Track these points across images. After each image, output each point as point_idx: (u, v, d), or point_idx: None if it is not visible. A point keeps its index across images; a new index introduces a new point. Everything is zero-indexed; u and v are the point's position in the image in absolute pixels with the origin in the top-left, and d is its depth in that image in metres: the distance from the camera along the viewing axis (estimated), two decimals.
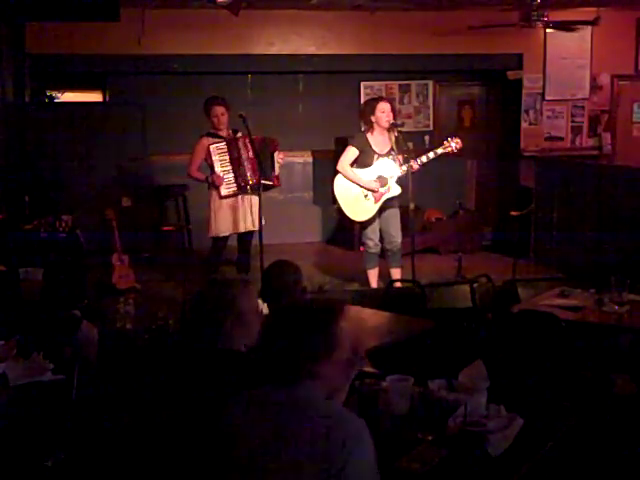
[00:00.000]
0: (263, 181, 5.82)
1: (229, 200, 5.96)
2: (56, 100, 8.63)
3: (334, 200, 6.33)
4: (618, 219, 6.69)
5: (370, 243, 6.21)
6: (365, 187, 6.02)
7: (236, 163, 5.93)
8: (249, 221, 6.00)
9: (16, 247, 5.43)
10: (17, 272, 4.78)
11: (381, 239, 6.24)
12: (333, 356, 2.07)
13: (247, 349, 2.59)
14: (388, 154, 6.03)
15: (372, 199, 6.04)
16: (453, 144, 6.01)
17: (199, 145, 6.01)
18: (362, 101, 8.56)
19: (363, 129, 6.26)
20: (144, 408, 2.50)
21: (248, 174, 5.92)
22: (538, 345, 3.74)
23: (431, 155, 5.99)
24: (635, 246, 6.23)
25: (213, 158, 5.92)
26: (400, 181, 6.04)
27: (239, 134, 6.04)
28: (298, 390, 2.03)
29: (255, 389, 2.10)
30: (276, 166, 6.00)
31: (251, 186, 5.92)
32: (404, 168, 5.91)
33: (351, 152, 6.02)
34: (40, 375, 3.10)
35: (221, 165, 5.93)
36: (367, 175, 6.03)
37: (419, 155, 6.01)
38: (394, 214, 6.17)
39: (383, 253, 6.31)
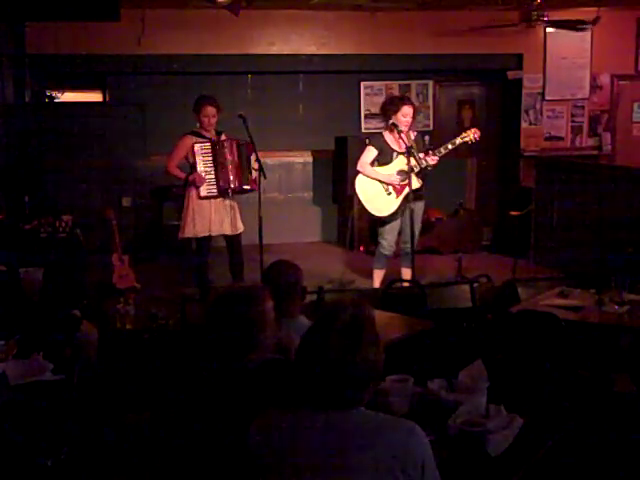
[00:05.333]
0: (244, 186, 5.85)
1: (210, 201, 5.91)
2: (56, 100, 8.62)
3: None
4: (618, 219, 6.69)
5: (385, 243, 6.16)
6: (385, 182, 6.02)
7: (220, 165, 5.87)
8: (234, 224, 5.97)
9: (16, 247, 5.42)
10: (17, 272, 4.76)
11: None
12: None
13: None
14: (407, 151, 6.01)
15: (394, 194, 6.05)
16: (472, 134, 6.05)
17: (181, 142, 5.94)
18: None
19: (383, 126, 6.28)
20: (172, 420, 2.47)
21: (231, 178, 5.89)
22: (538, 345, 3.74)
23: (450, 146, 6.02)
24: (635, 246, 6.22)
25: (196, 157, 5.86)
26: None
27: (223, 136, 6.00)
28: (353, 409, 1.96)
29: (293, 410, 2.00)
30: (253, 170, 5.94)
31: (232, 190, 5.90)
32: (423, 162, 5.91)
33: (370, 152, 6.07)
34: (40, 375, 3.11)
35: (204, 165, 5.87)
36: (387, 171, 6.05)
37: (437, 147, 6.04)
38: (420, 215, 6.16)
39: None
